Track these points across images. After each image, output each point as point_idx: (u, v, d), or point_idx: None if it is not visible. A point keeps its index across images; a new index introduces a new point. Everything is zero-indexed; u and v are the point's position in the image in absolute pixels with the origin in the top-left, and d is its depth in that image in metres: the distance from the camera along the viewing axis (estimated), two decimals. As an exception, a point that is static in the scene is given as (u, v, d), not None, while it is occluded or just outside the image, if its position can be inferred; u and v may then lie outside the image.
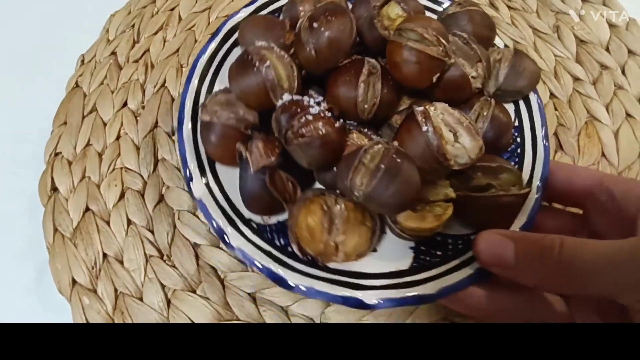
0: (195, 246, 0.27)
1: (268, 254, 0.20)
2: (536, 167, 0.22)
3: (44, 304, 0.27)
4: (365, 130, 0.22)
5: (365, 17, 0.22)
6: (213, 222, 0.21)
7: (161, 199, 0.29)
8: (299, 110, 0.20)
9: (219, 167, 0.23)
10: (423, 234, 0.20)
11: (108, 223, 0.28)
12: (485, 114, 0.22)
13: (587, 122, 0.30)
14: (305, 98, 0.21)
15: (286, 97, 0.21)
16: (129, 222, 0.28)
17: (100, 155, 0.30)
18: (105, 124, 0.32)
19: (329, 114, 0.20)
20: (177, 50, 0.35)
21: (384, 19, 0.22)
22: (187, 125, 0.23)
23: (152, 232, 0.28)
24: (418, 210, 0.20)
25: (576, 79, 0.32)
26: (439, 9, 0.27)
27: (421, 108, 0.19)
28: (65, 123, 0.32)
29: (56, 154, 0.31)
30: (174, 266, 0.27)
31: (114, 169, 0.30)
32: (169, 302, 0.26)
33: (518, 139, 0.24)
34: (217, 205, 0.21)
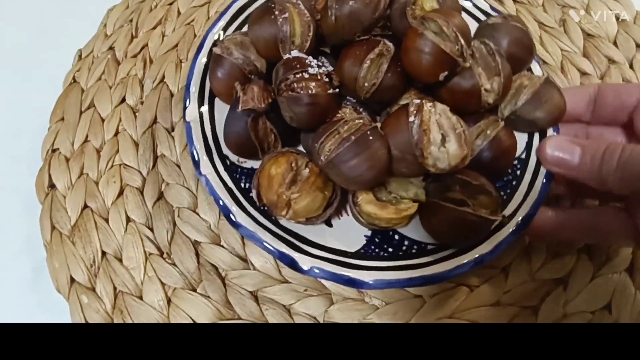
0: (195, 244, 0.27)
1: (229, 190, 0.21)
2: (524, 204, 0.21)
3: (41, 302, 0.26)
4: (361, 109, 0.22)
5: (400, 4, 0.22)
6: (193, 148, 0.22)
7: (161, 195, 0.28)
8: (298, 66, 0.20)
9: (218, 103, 0.24)
10: (378, 224, 0.20)
11: (107, 220, 0.27)
12: (488, 132, 0.21)
13: (594, 117, 0.30)
14: (310, 58, 0.21)
15: (294, 53, 0.21)
16: (128, 219, 0.27)
17: (98, 151, 0.30)
18: (103, 120, 0.31)
19: (327, 79, 0.21)
20: (176, 45, 0.34)
21: (417, 9, 0.21)
22: (202, 59, 0.24)
23: (151, 229, 0.27)
24: (382, 199, 0.20)
25: (583, 74, 0.31)
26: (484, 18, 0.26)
27: (418, 101, 0.19)
28: (62, 119, 0.31)
29: (53, 150, 0.30)
30: (174, 264, 0.26)
31: (112, 166, 0.29)
32: (169, 300, 0.25)
33: (518, 172, 0.22)
34: (201, 130, 0.22)
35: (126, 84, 0.32)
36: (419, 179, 0.21)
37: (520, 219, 0.20)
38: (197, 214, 0.27)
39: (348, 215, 0.22)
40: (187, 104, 0.23)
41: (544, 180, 0.21)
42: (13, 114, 0.33)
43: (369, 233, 0.22)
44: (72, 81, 0.33)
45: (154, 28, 0.35)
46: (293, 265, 0.20)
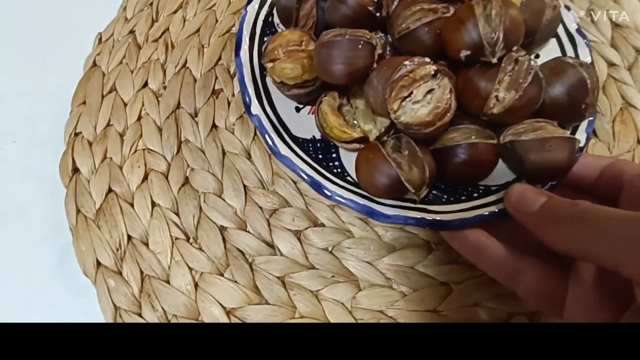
0: (222, 229, 0.27)
1: (310, 165, 0.22)
2: (455, 214, 0.20)
3: (69, 285, 0.26)
4: (388, 50, 0.23)
5: None
6: (266, 136, 0.22)
7: (186, 181, 0.28)
8: None
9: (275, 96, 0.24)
10: (324, 128, 0.22)
11: (132, 205, 0.27)
12: (472, 137, 0.20)
13: (622, 108, 0.29)
14: None
15: None
16: (154, 204, 0.27)
17: (121, 136, 0.30)
18: (125, 105, 0.31)
19: (376, 1, 0.21)
20: (198, 30, 0.33)
21: None
22: (245, 50, 0.24)
23: (177, 214, 0.27)
24: (342, 113, 0.22)
25: (611, 64, 0.31)
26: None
27: (428, 60, 0.19)
28: (84, 103, 0.31)
29: (76, 134, 0.30)
30: (200, 249, 0.26)
31: (136, 150, 0.29)
32: (196, 285, 0.25)
33: (475, 194, 0.21)
34: (268, 119, 0.23)
35: (148, 69, 0.32)
36: (383, 124, 0.21)
37: (436, 218, 0.20)
38: (223, 200, 0.27)
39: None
40: (249, 103, 0.23)
41: (487, 214, 0.20)
42: (36, 98, 0.33)
43: (318, 137, 0.23)
44: (93, 65, 0.33)
45: (175, 12, 0.34)
46: (247, 104, 0.22)
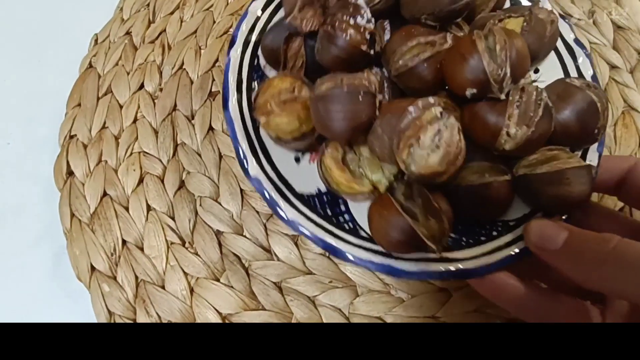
0: (218, 233, 0.26)
1: (321, 227, 0.20)
2: (477, 259, 0.19)
3: (63, 289, 0.26)
4: (386, 86, 0.21)
5: (487, 15, 0.20)
6: (268, 198, 0.21)
7: (182, 184, 0.28)
8: (351, 10, 0.20)
9: (272, 152, 0.22)
10: (329, 182, 0.20)
11: (127, 209, 0.27)
12: (486, 176, 0.19)
13: (624, 111, 0.29)
14: (367, 11, 0.20)
15: (360, 0, 0.21)
16: (149, 207, 0.27)
17: (116, 138, 0.29)
18: (121, 107, 0.30)
19: (368, 37, 0.20)
20: (195, 32, 0.33)
21: (497, 26, 0.19)
22: (233, 100, 0.23)
23: (173, 218, 0.27)
24: (347, 164, 0.20)
25: (613, 67, 0.31)
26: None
27: (432, 100, 0.18)
28: (79, 104, 0.31)
29: (71, 137, 0.30)
30: (196, 254, 0.26)
31: (131, 153, 0.29)
32: (192, 290, 0.25)
33: (494, 233, 0.20)
34: (268, 179, 0.21)
35: (144, 70, 0.32)
36: (391, 171, 0.20)
37: (459, 267, 0.19)
38: (219, 204, 0.27)
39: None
40: (241, 23, 0.23)
41: (510, 255, 0.19)
42: (30, 99, 0.33)
43: (323, 189, 0.21)
44: (89, 66, 0.32)
45: (172, 13, 0.34)
46: (243, 165, 0.20)
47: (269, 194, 0.20)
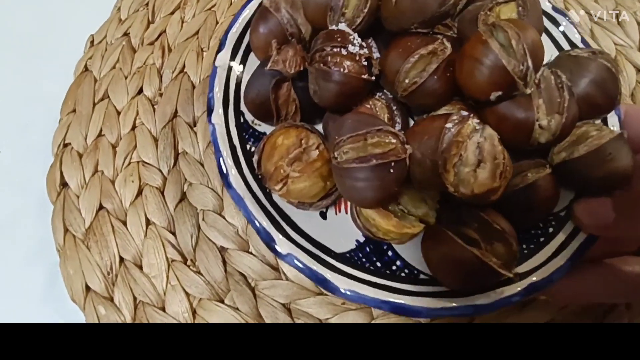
0: (222, 250, 0.24)
1: (232, 147, 0.20)
2: (544, 268, 0.18)
3: (57, 310, 0.24)
4: (395, 108, 0.20)
5: (474, 7, 0.19)
6: (211, 93, 0.21)
7: (183, 197, 0.26)
8: (339, 39, 0.19)
9: (250, 62, 0.22)
10: (375, 232, 0.18)
11: (124, 223, 0.25)
12: (528, 176, 0.18)
13: (655, 118, 0.27)
14: (355, 36, 0.19)
15: (342, 26, 0.20)
16: (148, 222, 0.25)
17: (114, 147, 0.28)
18: (118, 113, 0.29)
19: (365, 63, 0.19)
20: (197, 33, 0.31)
21: (492, 16, 0.19)
22: (246, 12, 0.22)
23: (173, 234, 0.25)
24: (387, 208, 0.18)
25: (639, 70, 0.29)
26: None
27: (465, 114, 0.16)
28: (74, 111, 0.29)
29: (65, 145, 0.28)
30: (199, 272, 0.24)
31: (129, 163, 0.27)
32: (194, 312, 0.23)
33: (550, 229, 0.19)
34: (225, 80, 0.21)
35: (143, 74, 0.30)
36: (434, 199, 0.18)
37: (533, 280, 0.18)
38: (224, 218, 0.25)
39: (347, 213, 0.20)
40: (221, 49, 0.22)
41: (577, 249, 0.18)
42: (22, 104, 0.31)
43: (361, 239, 0.20)
44: (84, 69, 0.30)
45: (172, 13, 0.32)
46: (270, 244, 0.18)
47: (319, 274, 0.18)
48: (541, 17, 0.20)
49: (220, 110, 0.21)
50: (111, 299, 0.23)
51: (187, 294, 0.23)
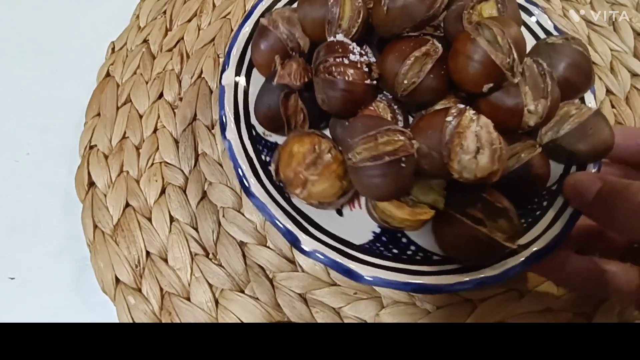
0: (241, 245, 0.26)
1: (249, 160, 0.21)
2: (542, 238, 0.20)
3: (85, 302, 0.26)
4: (396, 107, 0.22)
5: (457, 6, 0.21)
6: (222, 111, 0.22)
7: (204, 195, 0.28)
8: (340, 50, 0.20)
9: (254, 76, 0.23)
10: (390, 222, 0.20)
11: (150, 220, 0.27)
12: (522, 156, 0.20)
13: (646, 120, 0.29)
14: (354, 45, 0.21)
15: (339, 37, 0.21)
16: (172, 219, 0.27)
17: (137, 148, 0.29)
18: (141, 116, 0.30)
19: (366, 69, 0.20)
20: (213, 40, 0.33)
21: (475, 14, 0.20)
22: (246, 29, 0.23)
23: (196, 229, 0.27)
24: (399, 199, 0.20)
25: (634, 75, 0.31)
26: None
27: (462, 106, 0.18)
28: (98, 114, 0.31)
29: (91, 147, 0.29)
30: (220, 265, 0.26)
31: (152, 164, 0.29)
32: (217, 302, 0.25)
33: (544, 203, 0.21)
34: (234, 97, 0.22)
35: (163, 79, 0.31)
36: (440, 186, 0.20)
37: (534, 250, 0.19)
38: (242, 214, 0.27)
39: (361, 208, 0.22)
40: (225, 68, 0.23)
41: (569, 219, 0.20)
42: (45, 108, 0.32)
43: (377, 230, 0.21)
44: (107, 75, 0.32)
45: (189, 21, 0.34)
46: (296, 244, 0.20)
47: (344, 266, 0.19)
48: (518, 10, 0.22)
49: (233, 125, 0.22)
50: (139, 290, 0.25)
51: (210, 285, 0.25)
